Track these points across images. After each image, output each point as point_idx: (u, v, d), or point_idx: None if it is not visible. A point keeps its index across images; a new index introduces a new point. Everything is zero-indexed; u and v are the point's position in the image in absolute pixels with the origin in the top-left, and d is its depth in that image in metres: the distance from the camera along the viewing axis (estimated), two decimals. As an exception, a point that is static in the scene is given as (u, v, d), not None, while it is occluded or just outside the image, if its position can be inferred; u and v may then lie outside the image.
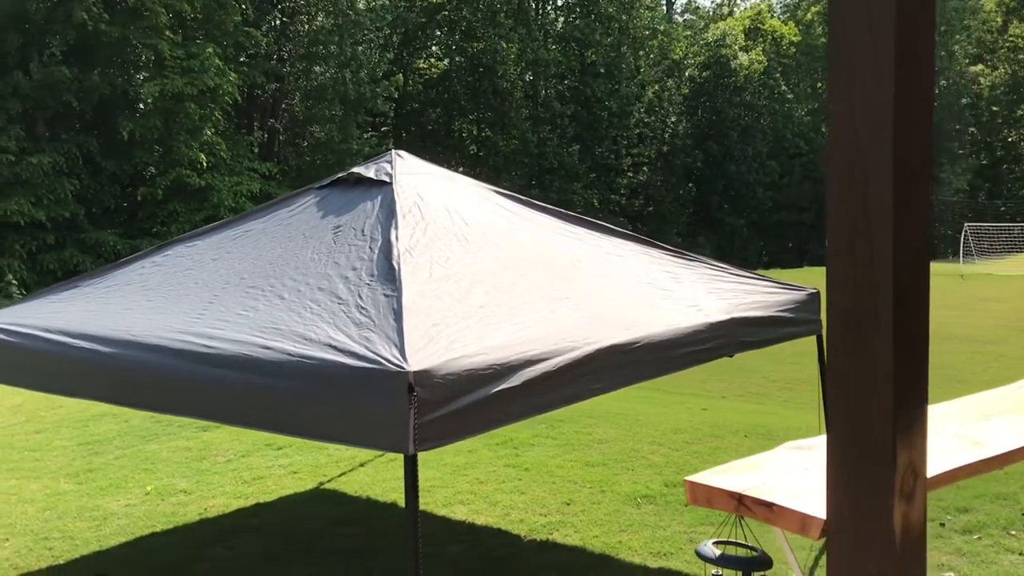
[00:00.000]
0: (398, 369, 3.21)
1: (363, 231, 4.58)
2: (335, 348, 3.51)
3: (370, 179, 5.10)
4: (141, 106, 26.10)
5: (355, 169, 5.30)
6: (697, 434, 8.22)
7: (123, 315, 4.57)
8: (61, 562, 5.43)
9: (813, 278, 5.94)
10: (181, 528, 5.99)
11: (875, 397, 1.69)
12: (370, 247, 4.38)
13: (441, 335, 3.58)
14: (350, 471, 7.21)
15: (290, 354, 3.57)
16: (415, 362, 3.25)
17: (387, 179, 5.02)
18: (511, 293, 4.24)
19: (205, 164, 25.63)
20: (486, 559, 5.38)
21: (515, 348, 3.68)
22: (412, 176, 5.18)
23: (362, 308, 3.82)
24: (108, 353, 4.16)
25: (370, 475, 7.08)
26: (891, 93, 1.55)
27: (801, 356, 12.80)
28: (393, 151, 5.46)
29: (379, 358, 3.32)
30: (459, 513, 6.17)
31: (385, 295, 3.85)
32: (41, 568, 5.33)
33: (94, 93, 24.81)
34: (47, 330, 4.57)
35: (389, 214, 4.60)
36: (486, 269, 4.42)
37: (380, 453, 7.55)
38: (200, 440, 8.20)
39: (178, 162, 25.36)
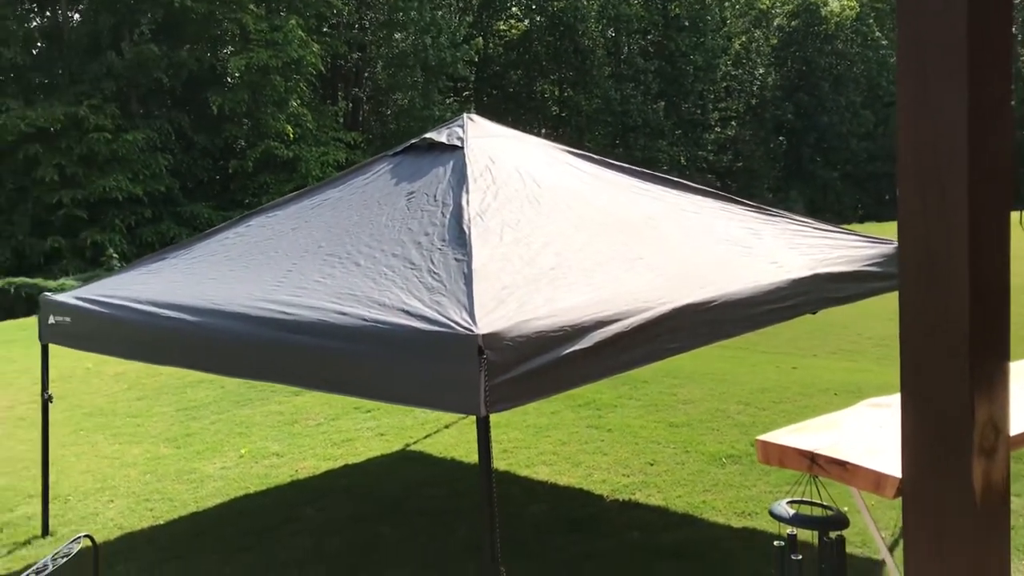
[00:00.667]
0: (468, 332, 3.22)
1: (435, 196, 4.59)
2: (408, 313, 3.54)
3: (442, 144, 5.10)
4: (229, 80, 26.70)
5: (427, 134, 5.31)
6: (785, 393, 8.06)
7: (207, 285, 4.70)
8: (161, 522, 5.67)
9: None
10: (273, 490, 6.19)
11: (949, 349, 1.62)
12: (442, 212, 4.40)
13: (511, 298, 3.58)
14: (435, 433, 7.32)
15: (365, 319, 3.62)
16: (484, 325, 3.26)
17: (459, 143, 5.01)
18: (583, 254, 4.20)
19: (292, 135, 26.13)
20: (568, 519, 5.40)
21: (587, 309, 3.65)
22: (484, 139, 5.16)
23: (434, 273, 3.84)
24: (193, 322, 4.29)
25: (454, 437, 7.17)
26: (964, 21, 1.45)
27: (895, 312, 12.39)
28: (465, 115, 5.45)
29: (450, 322, 3.34)
30: (541, 474, 6.20)
31: (456, 259, 3.87)
32: (143, 528, 5.58)
33: (183, 69, 25.50)
34: (137, 300, 4.74)
35: (460, 179, 4.61)
36: (557, 231, 4.38)
37: (463, 415, 7.64)
38: (292, 404, 8.43)
39: (266, 134, 25.93)
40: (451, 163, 4.85)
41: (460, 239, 4.02)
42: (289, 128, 26.03)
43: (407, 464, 6.66)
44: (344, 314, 3.72)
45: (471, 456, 6.68)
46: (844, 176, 41.78)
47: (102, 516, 5.81)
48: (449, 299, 3.55)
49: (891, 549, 3.96)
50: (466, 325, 3.28)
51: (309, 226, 5.00)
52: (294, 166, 26.44)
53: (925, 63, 1.55)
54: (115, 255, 22.29)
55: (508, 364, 3.27)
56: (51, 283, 19.14)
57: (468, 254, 3.84)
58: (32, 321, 16.28)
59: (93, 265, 22.55)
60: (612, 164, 5.66)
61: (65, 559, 3.35)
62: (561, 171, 5.20)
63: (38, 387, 9.80)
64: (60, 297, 5.28)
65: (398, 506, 5.78)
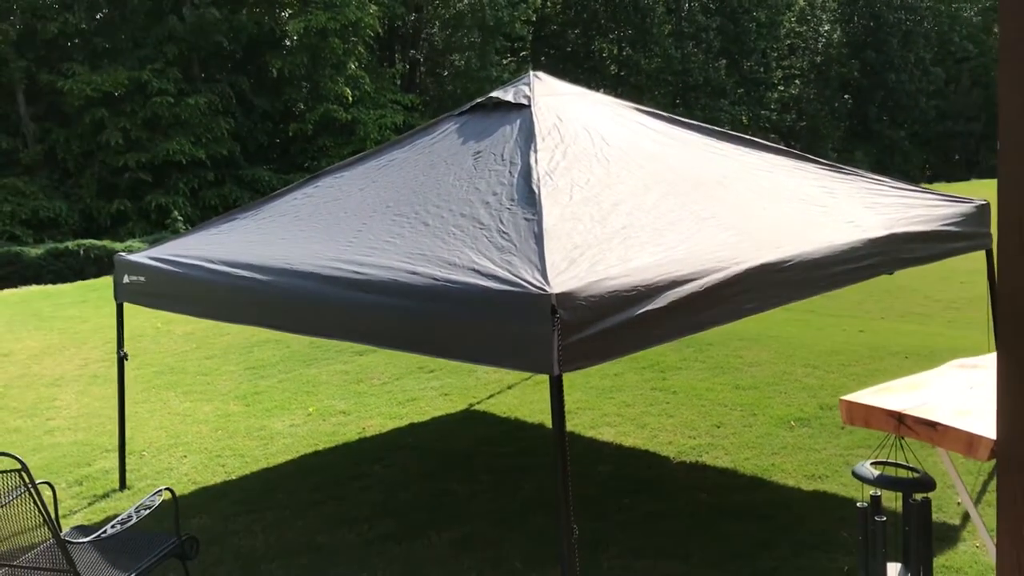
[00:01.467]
0: (540, 292, 3.20)
1: (503, 156, 4.56)
2: (478, 272, 3.53)
3: (508, 103, 5.05)
4: (287, 43, 26.80)
5: (494, 93, 5.26)
6: (854, 356, 7.92)
7: (279, 244, 4.75)
8: (233, 477, 5.80)
9: (983, 192, 5.53)
10: (341, 447, 6.28)
11: None
12: (510, 171, 4.36)
13: (583, 257, 3.54)
14: (498, 393, 7.35)
15: (436, 279, 3.62)
16: (557, 284, 3.24)
17: (526, 102, 4.96)
18: (654, 213, 4.13)
19: (351, 98, 26.20)
20: (635, 479, 5.39)
21: (659, 269, 3.60)
22: (551, 97, 5.10)
23: (503, 232, 3.81)
24: (266, 281, 4.34)
25: (517, 397, 7.19)
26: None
27: (967, 274, 12.07)
28: (531, 72, 5.39)
29: (522, 281, 3.32)
30: (606, 435, 6.20)
31: (526, 219, 3.83)
32: (216, 483, 5.72)
33: (243, 33, 25.66)
34: (210, 260, 4.81)
35: (528, 137, 4.56)
36: (628, 190, 4.32)
37: (527, 376, 7.66)
38: (356, 364, 8.54)
39: (325, 97, 26.03)
40: (518, 122, 4.81)
41: (529, 198, 3.99)
42: (347, 91, 26.10)
43: (472, 423, 6.71)
44: (416, 273, 3.73)
45: (535, 416, 6.70)
46: (912, 136, 40.64)
47: (176, 471, 5.97)
48: (520, 259, 3.53)
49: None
50: (539, 284, 3.26)
51: (376, 186, 5.00)
52: (352, 129, 26.53)
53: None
54: (180, 217, 22.71)
55: (581, 324, 3.24)
56: (118, 245, 19.58)
57: (538, 213, 3.81)
58: (101, 282, 16.72)
59: (158, 228, 23.00)
60: (681, 122, 5.56)
61: (148, 511, 3.45)
62: (630, 129, 5.12)
63: (110, 345, 10.08)
64: (134, 257, 5.39)
65: (465, 463, 5.82)
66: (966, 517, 4.63)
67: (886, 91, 39.69)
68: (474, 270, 3.56)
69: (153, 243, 6.15)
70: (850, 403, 2.71)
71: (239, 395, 7.73)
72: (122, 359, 5.58)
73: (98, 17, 25.64)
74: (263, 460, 6.09)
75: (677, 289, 3.58)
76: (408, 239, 4.14)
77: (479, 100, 5.30)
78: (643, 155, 4.80)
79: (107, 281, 17.22)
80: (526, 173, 4.22)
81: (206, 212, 23.82)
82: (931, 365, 3.65)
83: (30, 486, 3.15)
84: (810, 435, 5.95)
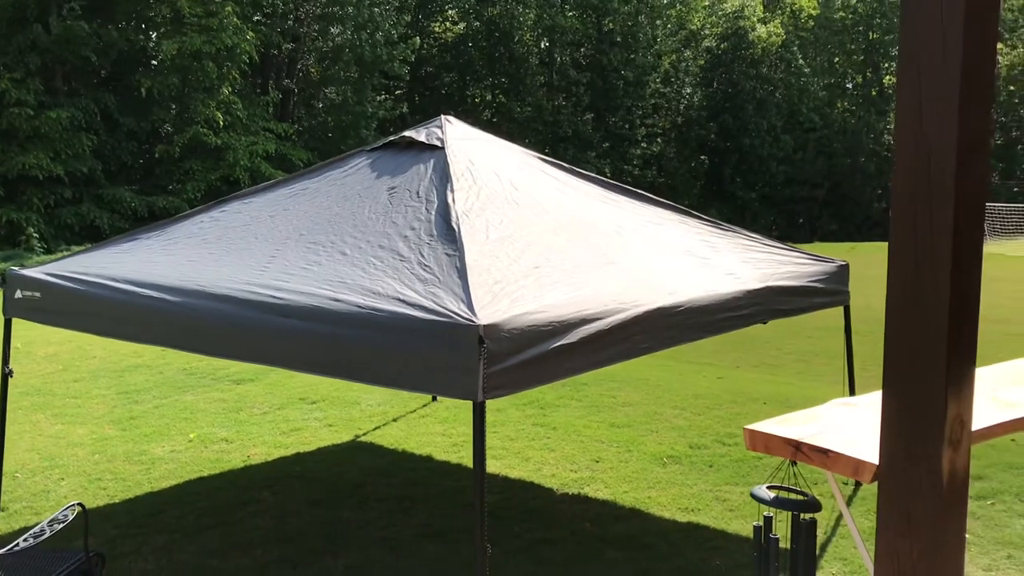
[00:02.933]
0: (469, 323, 3.42)
1: (418, 193, 4.77)
2: (404, 302, 3.72)
3: (422, 143, 5.28)
4: (158, 63, 26.15)
5: (406, 133, 5.48)
6: (717, 400, 8.45)
7: (187, 266, 4.78)
8: (116, 501, 5.69)
9: (823, 253, 6.13)
10: (227, 473, 6.25)
11: (930, 351, 1.88)
12: (427, 208, 4.58)
13: (503, 293, 3.79)
14: (383, 425, 7.46)
15: (360, 306, 3.79)
16: (484, 316, 3.47)
17: (439, 144, 5.20)
18: (563, 255, 4.44)
19: (222, 123, 25.74)
20: (522, 509, 5.63)
21: (571, 307, 3.89)
22: (463, 141, 5.36)
23: (425, 265, 4.02)
24: (176, 302, 4.38)
25: (403, 429, 7.33)
26: (958, 74, 1.73)
27: (814, 330, 13.02)
28: (443, 116, 5.64)
29: (449, 312, 3.53)
30: (492, 467, 6.42)
31: (447, 254, 4.06)
32: (99, 505, 5.59)
33: (112, 49, 24.90)
34: (114, 279, 4.79)
35: (444, 177, 4.80)
36: (538, 232, 4.62)
37: (411, 409, 7.81)
38: (235, 392, 8.46)
39: (195, 120, 25.48)
40: (432, 162, 5.04)
41: (449, 235, 4.21)
42: (219, 115, 25.63)
43: (359, 454, 6.79)
44: (338, 300, 3.88)
45: (422, 448, 6.85)
46: (762, 197, 43.12)
47: (54, 493, 5.80)
48: (445, 291, 3.74)
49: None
50: (466, 316, 3.48)
51: (288, 214, 5.11)
52: (222, 154, 26.04)
53: (921, 103, 1.84)
54: (35, 235, 21.62)
55: (504, 354, 3.48)
56: (-35, 259, 18.48)
57: (459, 249, 4.04)
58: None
59: (8, 244, 21.82)
60: (579, 173, 5.93)
61: (61, 525, 3.42)
62: (535, 176, 5.44)
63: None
64: (30, 272, 5.27)
65: (355, 492, 5.91)
66: (848, 536, 5.09)
67: (740, 154, 42.06)
68: (399, 299, 3.75)
69: (7, 260, 6.00)
70: (753, 431, 3.05)
71: (114, 419, 7.53)
72: (6, 375, 5.41)
73: (-47, 19, 24.30)
74: (146, 485, 5.99)
75: (586, 326, 3.88)
76: (326, 267, 4.28)
77: (392, 138, 5.51)
78: (549, 201, 5.11)
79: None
80: (444, 211, 4.45)
81: (61, 231, 22.81)
82: (787, 411, 4.07)
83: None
84: (682, 471, 6.35)
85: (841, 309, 6.03)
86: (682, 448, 6.84)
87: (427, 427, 7.33)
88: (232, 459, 6.55)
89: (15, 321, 5.37)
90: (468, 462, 6.50)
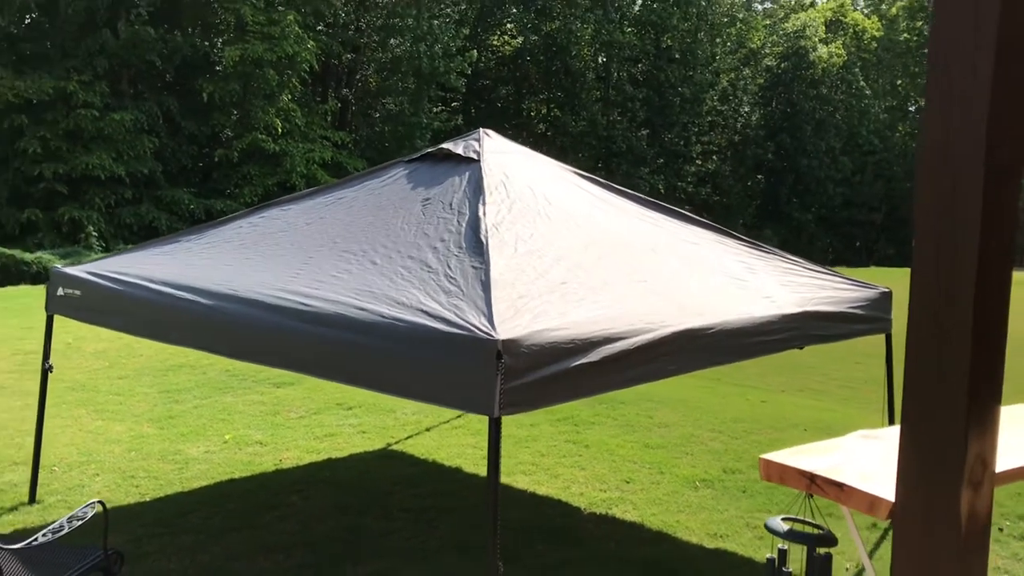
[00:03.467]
0: (487, 337, 3.40)
1: (451, 204, 4.78)
2: (426, 313, 3.72)
3: (459, 155, 5.29)
4: (221, 69, 26.69)
5: (444, 145, 5.50)
6: (756, 424, 8.30)
7: (223, 270, 4.84)
8: (147, 499, 5.77)
9: (879, 278, 5.99)
10: (258, 476, 6.30)
11: (951, 386, 1.80)
12: (458, 220, 4.58)
13: (526, 307, 3.77)
14: (416, 435, 7.47)
15: (383, 316, 3.79)
16: (503, 331, 3.44)
17: (475, 156, 5.21)
18: (591, 272, 4.40)
19: (280, 130, 26.16)
20: (547, 527, 5.57)
21: (595, 325, 3.85)
22: (499, 155, 5.36)
23: (451, 277, 4.02)
24: (210, 305, 4.43)
25: (435, 440, 7.33)
26: (987, 98, 1.66)
27: (863, 356, 12.74)
28: (481, 130, 5.65)
29: (469, 325, 3.52)
30: (521, 482, 6.38)
31: (473, 267, 4.05)
32: (129, 503, 5.67)
33: (177, 54, 25.48)
34: (152, 280, 4.87)
35: (477, 190, 4.79)
36: (567, 247, 4.58)
37: (445, 419, 7.81)
38: (273, 396, 8.54)
39: (254, 126, 25.92)
40: (467, 174, 5.04)
41: (477, 247, 4.20)
42: (278, 122, 26.06)
43: (389, 462, 6.80)
44: (363, 309, 3.89)
45: (452, 460, 6.84)
46: (818, 219, 42.51)
47: (88, 488, 5.90)
48: (467, 304, 3.73)
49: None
50: (486, 330, 3.46)
51: (324, 222, 5.15)
52: (279, 160, 26.44)
53: (949, 130, 1.77)
54: (94, 233, 22.18)
55: (522, 370, 3.45)
56: (27, 255, 19.02)
57: (486, 263, 4.03)
58: (5, 291, 16.17)
59: (69, 241, 22.40)
60: (617, 189, 5.88)
61: (80, 522, 3.47)
62: (570, 191, 5.41)
63: (18, 357, 9.83)
64: (72, 270, 5.39)
65: (382, 500, 5.92)
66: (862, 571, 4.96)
67: (797, 174, 41.52)
68: (422, 311, 3.74)
69: (65, 256, 6.15)
70: (768, 461, 2.98)
71: (153, 418, 7.66)
72: (47, 371, 5.53)
73: (27, 21, 25.11)
74: (178, 484, 6.06)
75: (610, 345, 3.83)
76: (356, 275, 4.30)
77: (430, 150, 5.53)
78: (582, 216, 5.08)
79: (11, 291, 16.69)
80: (474, 224, 4.44)
81: (120, 230, 23.35)
82: (828, 438, 3.98)
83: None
84: (714, 496, 6.24)
85: (883, 337, 5.89)
86: (716, 472, 6.73)
87: (459, 438, 7.32)
88: (264, 462, 6.61)
89: (69, 318, 5.48)
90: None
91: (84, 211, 23.04)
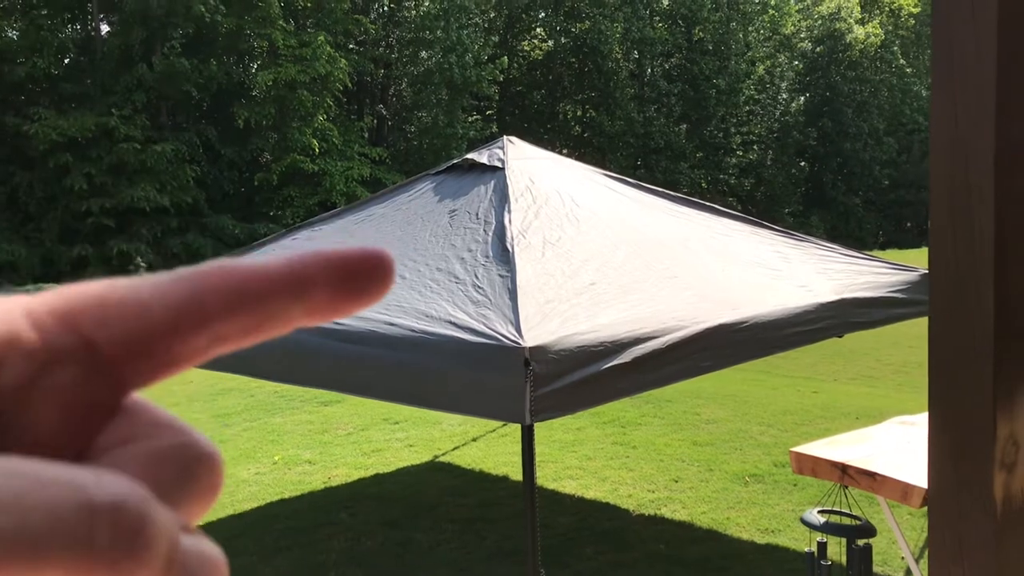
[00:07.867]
0: (515, 345, 3.39)
1: (477, 214, 4.78)
2: (455, 325, 3.72)
3: (483, 165, 5.29)
4: (255, 94, 27.11)
5: (469, 155, 5.50)
6: (807, 416, 8.17)
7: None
8: (198, 523, 5.84)
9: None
10: (307, 495, 6.36)
11: (975, 368, 1.76)
12: (484, 230, 4.58)
13: (554, 312, 3.75)
14: (463, 445, 7.48)
15: (413, 330, 3.80)
16: (530, 338, 3.43)
17: (499, 165, 5.20)
18: (621, 272, 4.36)
19: (318, 150, 26.49)
20: (596, 531, 5.54)
21: (625, 326, 3.81)
22: (523, 161, 5.35)
23: (478, 287, 4.02)
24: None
25: (482, 449, 7.33)
26: (993, 74, 1.62)
27: (916, 339, 12.48)
28: (504, 137, 5.65)
29: (496, 334, 3.51)
30: (568, 487, 6.35)
31: (500, 275, 4.04)
32: (182, 528, 5.76)
33: (212, 82, 25.94)
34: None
35: (502, 198, 4.79)
36: (596, 248, 4.55)
37: (491, 429, 7.81)
38: (321, 414, 8.62)
39: (292, 148, 26.29)
40: (492, 183, 5.04)
41: (503, 256, 4.20)
42: (315, 142, 26.40)
43: (436, 474, 6.82)
44: (393, 324, 3.90)
45: (498, 468, 6.83)
46: (866, 203, 41.82)
47: (142, 516, 5.99)
48: (495, 312, 3.72)
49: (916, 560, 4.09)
50: (512, 338, 3.45)
51: (354, 240, 5.19)
52: (319, 180, 26.79)
53: (956, 105, 1.72)
54: (143, 264, 22.65)
55: (552, 376, 3.43)
56: (80, 290, 19.46)
57: (512, 271, 4.02)
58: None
59: (119, 273, 22.87)
60: (646, 187, 5.84)
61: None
62: (598, 192, 5.38)
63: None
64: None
65: (430, 513, 5.93)
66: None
67: (842, 159, 40.91)
68: (450, 322, 3.74)
69: None
70: (799, 454, 2.92)
71: (204, 442, 7.76)
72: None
73: (66, 62, 25.75)
74: (229, 507, 6.14)
75: (641, 346, 3.79)
76: (385, 291, 4.32)
77: (455, 161, 5.54)
78: (610, 216, 5.05)
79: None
80: (500, 232, 4.44)
81: (168, 260, 23.77)
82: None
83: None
84: (764, 491, 6.15)
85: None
86: (766, 466, 6.63)
87: (505, 447, 7.31)
88: (314, 481, 6.67)
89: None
90: (544, 482, 6.44)
91: (133, 243, 23.55)
